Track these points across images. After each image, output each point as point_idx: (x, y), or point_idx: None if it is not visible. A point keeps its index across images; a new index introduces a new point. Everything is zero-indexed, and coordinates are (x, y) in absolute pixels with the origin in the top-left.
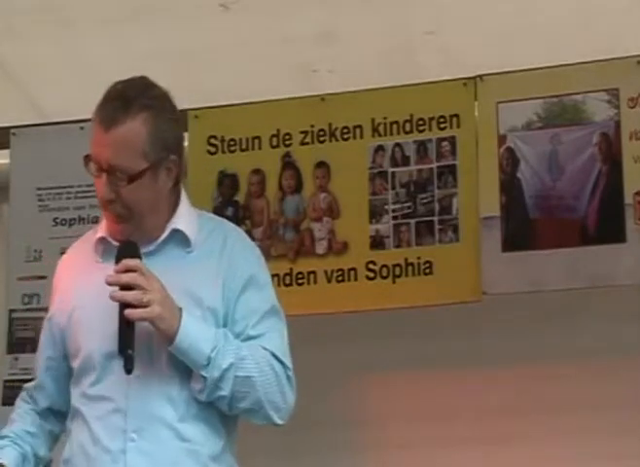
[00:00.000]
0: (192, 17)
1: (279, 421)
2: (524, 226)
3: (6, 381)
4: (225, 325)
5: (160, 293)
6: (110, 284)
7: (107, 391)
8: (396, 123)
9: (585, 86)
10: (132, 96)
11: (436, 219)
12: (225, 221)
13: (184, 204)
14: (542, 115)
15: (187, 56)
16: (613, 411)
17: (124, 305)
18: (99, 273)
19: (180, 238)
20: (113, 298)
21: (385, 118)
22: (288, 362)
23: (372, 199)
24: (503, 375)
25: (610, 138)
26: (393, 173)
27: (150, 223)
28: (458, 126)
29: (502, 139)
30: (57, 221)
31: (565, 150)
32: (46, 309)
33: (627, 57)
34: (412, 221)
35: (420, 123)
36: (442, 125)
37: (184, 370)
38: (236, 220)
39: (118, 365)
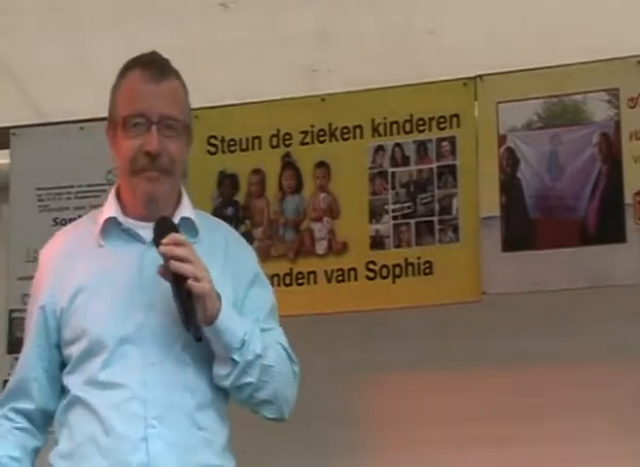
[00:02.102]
0: (192, 17)
1: (286, 416)
2: (524, 226)
3: (6, 382)
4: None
5: (207, 271)
6: (163, 254)
7: (121, 378)
8: (396, 123)
9: (585, 86)
10: (168, 62)
11: (436, 219)
12: (220, 221)
13: (186, 196)
14: (542, 115)
15: (187, 56)
16: (613, 411)
17: (177, 279)
18: (103, 257)
19: (188, 227)
20: (172, 266)
21: (385, 118)
22: (295, 358)
23: (372, 199)
24: (503, 375)
25: (610, 138)
26: (393, 173)
27: (172, 196)
28: (458, 126)
29: (502, 139)
30: (57, 221)
31: (565, 150)
32: None
33: (627, 57)
34: (412, 221)
35: (420, 123)
36: (442, 125)
37: (199, 358)
38: (236, 220)
39: (131, 350)
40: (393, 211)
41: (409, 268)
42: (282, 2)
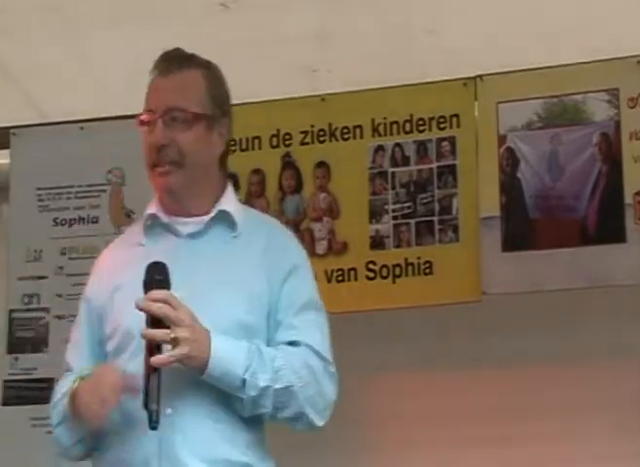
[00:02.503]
0: (192, 17)
1: (320, 423)
2: (524, 226)
3: (6, 381)
4: (270, 314)
5: (190, 326)
6: (140, 309)
7: (141, 368)
8: (396, 123)
9: (585, 86)
10: (190, 55)
11: (436, 219)
12: (272, 219)
13: (230, 191)
14: (542, 115)
15: None
16: (613, 411)
17: (150, 351)
18: (140, 255)
19: (226, 221)
20: (143, 336)
21: (385, 118)
22: (330, 358)
23: (372, 199)
24: (503, 375)
25: (610, 138)
26: (393, 173)
27: (200, 190)
28: (458, 126)
29: (502, 139)
30: (57, 221)
31: (565, 150)
32: (46, 309)
33: (627, 57)
34: (412, 221)
35: (420, 123)
36: (442, 125)
37: None
38: None
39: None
40: (393, 211)
41: (409, 268)
42: (282, 2)
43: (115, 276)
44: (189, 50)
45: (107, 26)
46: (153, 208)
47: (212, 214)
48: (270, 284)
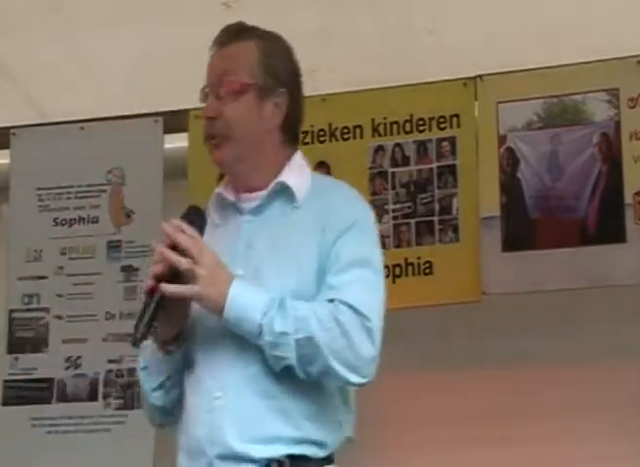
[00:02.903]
0: (193, 16)
1: (357, 380)
2: (524, 226)
3: (6, 381)
4: (321, 277)
5: (209, 270)
6: (166, 233)
7: (198, 352)
8: (396, 123)
9: (585, 86)
10: (249, 27)
11: (436, 219)
12: (337, 181)
13: (296, 160)
14: (542, 115)
15: (187, 56)
16: (613, 411)
17: (163, 279)
18: (215, 237)
19: (286, 194)
20: (160, 253)
21: (385, 118)
22: (370, 314)
23: (372, 199)
24: (503, 375)
25: (610, 138)
26: (393, 173)
27: (255, 163)
28: (458, 126)
29: (502, 139)
30: (57, 221)
31: (565, 150)
32: (46, 309)
33: (627, 57)
34: (412, 221)
35: (420, 123)
36: (442, 125)
37: None
38: None
39: (217, 325)
40: (393, 211)
41: (409, 268)
42: (283, 2)
43: None
44: (189, 50)
45: (107, 26)
46: (220, 186)
47: (269, 188)
48: (322, 247)
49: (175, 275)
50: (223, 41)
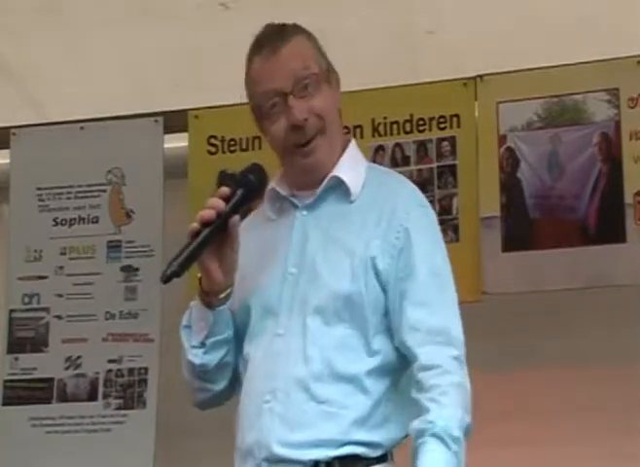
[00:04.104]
0: (192, 17)
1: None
2: (524, 226)
3: (6, 381)
4: (382, 284)
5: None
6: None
7: (254, 351)
8: (396, 123)
9: (585, 86)
10: (283, 26)
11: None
12: (397, 177)
13: (351, 150)
14: (542, 115)
15: (187, 56)
16: (613, 411)
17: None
18: (267, 229)
19: (340, 188)
20: (212, 202)
21: (385, 118)
22: (459, 344)
23: None
24: (502, 376)
25: (610, 138)
26: None
27: (333, 153)
28: (458, 126)
29: (502, 139)
30: (57, 221)
31: (565, 150)
32: (46, 309)
33: (627, 57)
34: None
35: (420, 123)
36: (442, 125)
37: (330, 322)
38: None
39: (269, 322)
40: None
41: None
42: (282, 2)
43: (243, 254)
44: (189, 50)
45: (107, 26)
46: (273, 182)
47: (324, 183)
48: (383, 251)
49: (221, 228)
50: (272, 48)
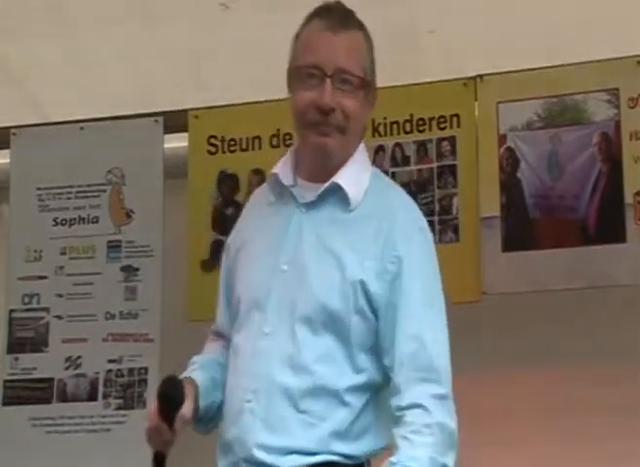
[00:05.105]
0: (192, 17)
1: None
2: (524, 226)
3: (6, 381)
4: (374, 308)
5: None
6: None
7: (241, 344)
8: (396, 123)
9: (585, 86)
10: (351, 12)
11: (436, 219)
12: (397, 189)
13: (358, 157)
14: (542, 115)
15: (187, 56)
16: (613, 411)
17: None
18: (264, 215)
19: (340, 195)
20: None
21: (385, 118)
22: (446, 384)
23: None
24: (503, 375)
25: (610, 138)
26: (393, 173)
27: (346, 156)
28: (458, 126)
29: (502, 139)
30: (57, 221)
31: (565, 150)
32: (46, 309)
33: (627, 57)
34: None
35: (420, 123)
36: (442, 125)
37: (317, 332)
38: (236, 220)
39: (256, 317)
40: None
41: None
42: (282, 2)
43: (243, 235)
44: (188, 50)
45: (107, 26)
46: (278, 167)
47: (325, 186)
48: (376, 275)
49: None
50: (337, 25)
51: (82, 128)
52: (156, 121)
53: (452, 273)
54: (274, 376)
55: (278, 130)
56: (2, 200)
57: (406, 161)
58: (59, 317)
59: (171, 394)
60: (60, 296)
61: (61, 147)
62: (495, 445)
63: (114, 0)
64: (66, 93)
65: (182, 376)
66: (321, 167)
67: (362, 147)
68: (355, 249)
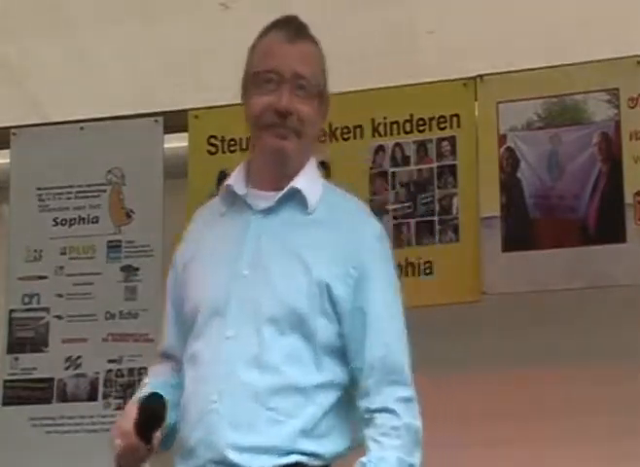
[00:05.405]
0: (192, 17)
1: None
2: (524, 226)
3: (6, 381)
4: (339, 309)
5: None
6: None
7: (201, 351)
8: (396, 123)
9: (585, 86)
10: (306, 26)
11: (436, 219)
12: (353, 201)
13: (311, 166)
14: (542, 115)
15: (187, 56)
16: (613, 411)
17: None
18: (218, 226)
19: (299, 199)
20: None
21: (385, 118)
22: (409, 384)
23: (372, 199)
24: (503, 375)
25: (610, 138)
26: (393, 173)
27: (300, 163)
28: (458, 126)
29: (502, 139)
30: (57, 221)
31: (565, 150)
32: (46, 309)
33: (627, 57)
34: (412, 221)
35: (420, 123)
36: (442, 125)
37: (283, 332)
38: None
39: (217, 323)
40: (393, 211)
41: (409, 267)
42: (282, 2)
43: (193, 247)
44: (188, 50)
45: (107, 26)
46: (232, 178)
47: (284, 191)
48: (340, 279)
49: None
50: (293, 35)
51: (82, 128)
52: (156, 121)
53: (452, 273)
54: (240, 375)
55: None
56: (2, 200)
57: (406, 161)
58: (59, 317)
59: (159, 412)
60: (60, 296)
61: (61, 147)
62: (495, 444)
63: (114, 0)
64: (66, 93)
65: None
66: (277, 173)
67: (313, 161)
68: (317, 252)
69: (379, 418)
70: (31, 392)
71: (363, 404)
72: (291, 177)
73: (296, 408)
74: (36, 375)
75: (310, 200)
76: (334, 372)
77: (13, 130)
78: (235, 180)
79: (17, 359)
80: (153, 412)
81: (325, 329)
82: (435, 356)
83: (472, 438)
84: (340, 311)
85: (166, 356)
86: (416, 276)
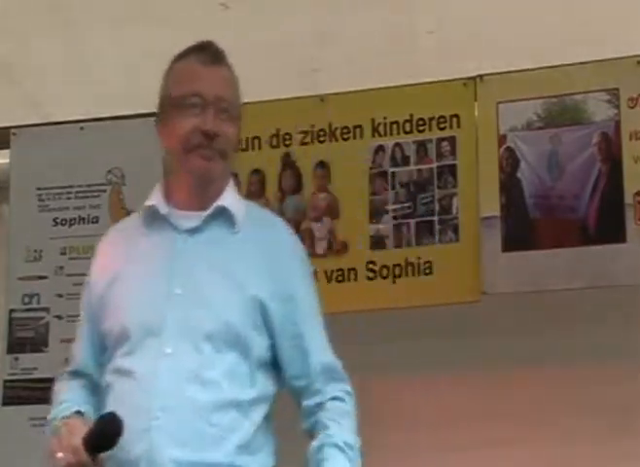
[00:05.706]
0: (192, 17)
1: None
2: (524, 226)
3: (6, 381)
4: (271, 323)
5: None
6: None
7: (136, 367)
8: (396, 123)
9: (585, 86)
10: (223, 51)
11: (436, 219)
12: (274, 216)
13: (232, 186)
14: (542, 115)
15: None
16: (613, 411)
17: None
18: (141, 246)
19: (225, 217)
20: None
21: (385, 118)
22: (341, 370)
23: (372, 199)
24: (503, 375)
25: (610, 138)
26: (393, 173)
27: (223, 183)
28: (458, 126)
29: (502, 139)
30: (57, 221)
31: (565, 150)
32: (46, 309)
33: (627, 57)
34: (412, 221)
35: (420, 123)
36: (442, 125)
37: (220, 350)
38: None
39: (153, 341)
40: (393, 211)
41: (409, 268)
42: (282, 2)
43: (116, 265)
44: None
45: (107, 26)
46: (153, 199)
47: (210, 210)
48: (272, 295)
49: None
50: (209, 59)
51: (82, 128)
52: (156, 121)
53: (452, 273)
54: (184, 391)
55: (278, 130)
56: (2, 200)
57: (405, 161)
58: (59, 317)
59: (116, 431)
60: (60, 296)
61: (61, 147)
62: (495, 444)
63: (114, 0)
64: (66, 93)
65: (63, 412)
66: (201, 193)
67: (232, 182)
68: (247, 268)
69: (331, 404)
70: (31, 392)
71: (313, 400)
72: (214, 197)
73: (235, 423)
74: (36, 375)
75: (237, 218)
76: (265, 385)
77: (13, 130)
78: (157, 201)
79: (17, 359)
80: (109, 431)
81: (259, 344)
82: (435, 356)
83: (472, 438)
84: (272, 326)
85: (79, 375)
86: (416, 276)
